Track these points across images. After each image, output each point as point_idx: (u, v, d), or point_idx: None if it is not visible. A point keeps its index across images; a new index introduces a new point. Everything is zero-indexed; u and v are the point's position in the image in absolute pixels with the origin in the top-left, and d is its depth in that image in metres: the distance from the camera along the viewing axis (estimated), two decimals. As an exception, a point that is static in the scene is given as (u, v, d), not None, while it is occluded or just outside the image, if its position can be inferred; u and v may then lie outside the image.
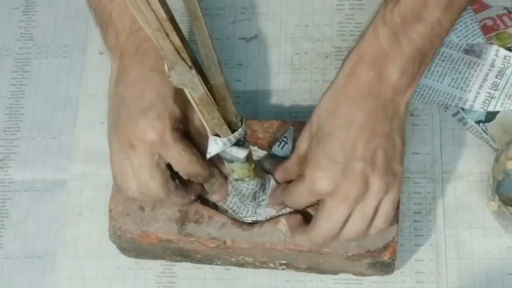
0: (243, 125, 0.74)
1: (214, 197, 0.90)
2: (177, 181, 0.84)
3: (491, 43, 1.01)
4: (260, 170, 0.87)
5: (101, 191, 0.98)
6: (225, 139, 0.73)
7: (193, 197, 0.87)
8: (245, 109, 1.02)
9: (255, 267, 0.93)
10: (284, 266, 0.92)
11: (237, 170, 0.81)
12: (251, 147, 0.88)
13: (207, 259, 0.92)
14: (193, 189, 0.87)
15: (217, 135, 0.73)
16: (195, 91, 0.65)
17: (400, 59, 0.79)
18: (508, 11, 1.03)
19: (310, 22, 1.07)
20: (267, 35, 1.07)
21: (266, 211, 0.89)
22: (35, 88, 1.08)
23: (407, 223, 0.95)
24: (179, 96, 0.80)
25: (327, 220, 0.80)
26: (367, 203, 0.79)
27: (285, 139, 0.92)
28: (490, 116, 0.98)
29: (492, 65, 0.99)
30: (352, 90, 0.80)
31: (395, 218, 0.87)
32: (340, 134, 0.78)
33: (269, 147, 0.92)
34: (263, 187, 0.87)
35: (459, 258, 0.93)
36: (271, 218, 0.89)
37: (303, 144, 0.83)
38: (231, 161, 0.78)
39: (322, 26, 1.07)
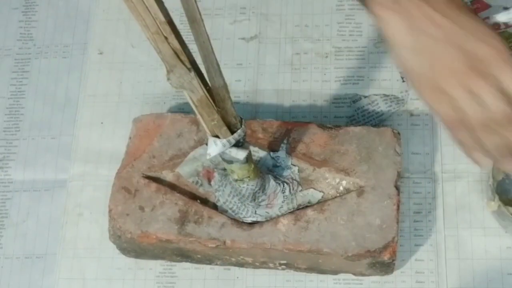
0: (243, 126, 0.74)
1: None
2: None
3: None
4: (260, 170, 0.87)
5: (101, 191, 0.98)
6: (224, 141, 0.73)
7: None
8: (245, 109, 1.02)
9: (255, 267, 0.93)
10: (284, 266, 0.92)
11: (236, 171, 0.81)
12: (252, 148, 0.88)
13: (207, 259, 0.93)
14: None
15: (217, 136, 0.73)
16: (194, 93, 0.65)
17: None
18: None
19: (310, 22, 1.07)
20: (267, 35, 1.07)
21: (266, 212, 0.89)
22: (35, 88, 1.08)
23: (407, 223, 0.95)
24: None
25: None
26: None
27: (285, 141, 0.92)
28: (490, 116, 0.98)
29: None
30: None
31: (395, 218, 0.87)
32: None
33: (269, 147, 0.92)
34: (263, 187, 0.87)
35: (459, 258, 0.93)
36: (271, 218, 0.89)
37: None
38: (230, 162, 0.78)
39: (322, 26, 1.07)
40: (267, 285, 0.94)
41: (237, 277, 0.95)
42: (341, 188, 0.91)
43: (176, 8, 0.64)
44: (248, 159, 0.79)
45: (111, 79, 1.07)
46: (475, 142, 0.73)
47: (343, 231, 0.87)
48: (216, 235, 0.88)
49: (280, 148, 0.92)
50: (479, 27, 0.71)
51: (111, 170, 0.96)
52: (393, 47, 0.72)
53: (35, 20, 1.12)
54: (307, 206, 0.90)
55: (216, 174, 0.91)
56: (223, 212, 0.90)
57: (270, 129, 0.94)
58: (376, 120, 1.00)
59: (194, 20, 0.56)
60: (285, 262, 0.91)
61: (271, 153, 0.92)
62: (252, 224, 0.89)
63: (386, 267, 0.89)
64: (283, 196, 0.89)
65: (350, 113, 1.01)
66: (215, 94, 0.67)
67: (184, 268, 0.95)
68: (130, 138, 0.96)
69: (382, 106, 1.01)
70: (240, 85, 1.04)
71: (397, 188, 0.89)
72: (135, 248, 0.92)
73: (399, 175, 0.90)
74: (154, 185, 0.92)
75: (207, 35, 0.60)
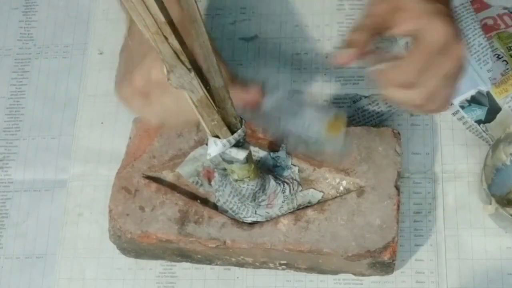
0: (243, 126, 0.74)
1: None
2: None
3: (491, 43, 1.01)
4: (260, 170, 0.87)
5: (101, 191, 0.98)
6: (224, 141, 0.73)
7: None
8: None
9: (255, 267, 0.93)
10: (284, 266, 0.92)
11: (237, 171, 0.81)
12: (252, 148, 0.88)
13: (207, 259, 0.93)
14: None
15: (217, 136, 0.73)
16: (194, 93, 0.65)
17: None
18: (508, 11, 1.03)
19: (310, 22, 1.07)
20: (267, 35, 1.07)
21: (266, 212, 0.89)
22: (35, 88, 1.08)
23: (407, 223, 0.95)
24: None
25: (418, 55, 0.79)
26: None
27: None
28: (490, 116, 0.98)
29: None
30: None
31: (395, 218, 0.87)
32: None
33: (269, 147, 0.92)
34: (263, 187, 0.87)
35: (459, 258, 0.93)
36: (271, 218, 0.89)
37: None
38: (230, 162, 0.78)
39: (322, 26, 1.07)
40: (267, 285, 0.94)
41: (237, 277, 0.95)
42: (341, 188, 0.91)
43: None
44: (248, 159, 0.79)
45: (111, 79, 1.05)
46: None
47: (343, 231, 0.87)
48: (216, 235, 0.88)
49: (280, 148, 0.92)
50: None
51: (111, 170, 0.96)
52: None
53: (35, 20, 1.12)
54: (307, 206, 0.90)
55: (216, 174, 0.91)
56: (223, 212, 0.90)
57: (270, 129, 0.94)
58: (376, 120, 1.00)
59: (195, 20, 0.56)
60: (285, 262, 0.91)
61: (271, 153, 0.92)
62: (252, 224, 0.89)
63: (386, 267, 0.89)
64: (283, 196, 0.89)
65: (350, 113, 1.01)
66: (215, 94, 0.67)
67: (184, 268, 0.95)
68: (130, 138, 0.96)
69: (382, 106, 1.01)
70: (240, 85, 1.04)
71: (397, 188, 0.89)
72: (135, 248, 0.92)
73: (399, 175, 0.90)
74: (154, 185, 0.92)
75: (207, 36, 0.60)
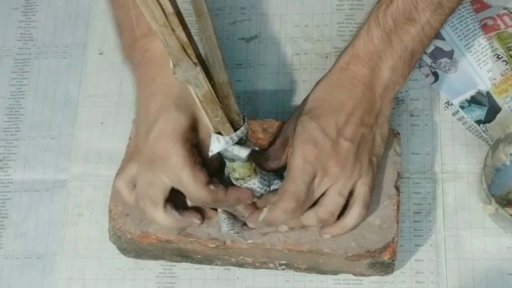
0: (245, 123, 0.74)
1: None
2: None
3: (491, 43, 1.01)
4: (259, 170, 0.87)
5: (101, 191, 0.98)
6: (227, 138, 0.73)
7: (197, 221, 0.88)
8: (245, 109, 1.02)
9: (255, 267, 0.93)
10: (284, 266, 0.92)
11: (238, 169, 0.81)
12: (252, 147, 0.88)
13: (207, 260, 0.92)
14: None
15: (220, 133, 0.73)
16: (199, 88, 0.65)
17: (391, 58, 0.85)
18: (508, 11, 1.03)
19: (310, 22, 1.07)
20: (267, 35, 1.07)
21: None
22: (35, 89, 1.08)
23: (407, 223, 0.95)
24: (183, 101, 0.81)
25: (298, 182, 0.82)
26: (343, 183, 0.83)
27: None
28: (490, 116, 0.99)
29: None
30: (346, 81, 0.86)
31: (395, 218, 0.87)
32: (334, 114, 0.84)
33: (269, 147, 0.92)
34: (268, 183, 0.87)
35: (459, 258, 0.93)
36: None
37: (290, 126, 0.87)
38: (232, 160, 0.78)
39: (322, 26, 1.07)
40: (267, 285, 0.94)
41: (237, 277, 0.94)
42: (341, 188, 0.91)
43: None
44: (250, 157, 0.79)
45: (111, 79, 1.07)
46: None
47: (343, 231, 0.87)
48: (216, 235, 0.87)
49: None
50: None
51: (111, 170, 0.95)
52: None
53: (35, 20, 1.12)
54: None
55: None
56: (223, 212, 0.90)
57: (270, 129, 0.93)
58: (376, 121, 1.00)
59: (201, 13, 0.56)
60: (285, 262, 0.91)
61: None
62: (252, 224, 0.89)
63: (386, 267, 0.89)
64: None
65: (350, 114, 1.01)
66: (219, 90, 0.67)
67: (184, 269, 0.95)
68: (130, 138, 0.96)
69: (382, 107, 1.01)
70: (240, 85, 1.04)
71: (397, 188, 0.89)
72: (135, 248, 0.92)
73: (399, 175, 0.90)
74: (154, 185, 0.91)
75: (214, 29, 0.60)
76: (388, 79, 0.86)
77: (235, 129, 0.73)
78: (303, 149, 0.82)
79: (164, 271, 0.96)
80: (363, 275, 0.92)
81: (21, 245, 0.99)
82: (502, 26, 1.03)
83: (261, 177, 0.85)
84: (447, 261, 0.93)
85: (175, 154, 0.80)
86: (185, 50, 0.59)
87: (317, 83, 0.89)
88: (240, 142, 0.75)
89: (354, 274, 0.92)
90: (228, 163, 0.80)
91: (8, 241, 0.99)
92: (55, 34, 1.11)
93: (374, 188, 0.86)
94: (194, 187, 0.80)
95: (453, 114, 0.99)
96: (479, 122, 0.98)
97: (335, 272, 0.92)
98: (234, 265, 0.94)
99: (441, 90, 1.01)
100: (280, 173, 0.90)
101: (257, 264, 0.92)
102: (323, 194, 0.84)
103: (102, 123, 1.04)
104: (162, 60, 0.80)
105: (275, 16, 1.08)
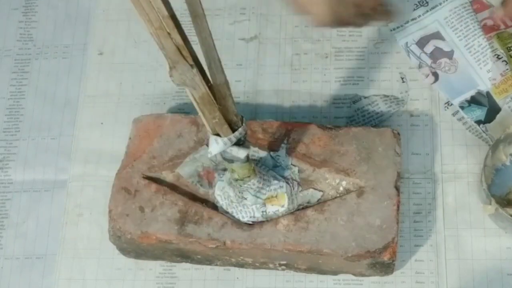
0: (243, 124, 0.74)
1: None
2: None
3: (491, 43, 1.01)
4: (260, 170, 0.87)
5: (101, 191, 0.98)
6: (225, 139, 0.73)
7: None
8: (245, 109, 1.02)
9: (255, 267, 0.93)
10: (284, 267, 0.92)
11: (237, 170, 0.81)
12: (252, 148, 0.88)
13: (207, 260, 0.92)
14: None
15: (218, 134, 0.73)
16: (196, 90, 0.65)
17: None
18: (508, 11, 1.04)
19: (310, 22, 1.07)
20: (267, 35, 1.07)
21: (264, 212, 0.89)
22: (35, 89, 1.08)
23: (407, 223, 0.95)
24: None
25: None
26: None
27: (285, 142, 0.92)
28: (490, 116, 0.99)
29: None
30: None
31: (395, 219, 0.87)
32: None
33: (269, 147, 0.92)
34: (268, 182, 0.87)
35: (459, 258, 0.93)
36: (271, 219, 0.89)
37: None
38: (231, 161, 0.78)
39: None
40: (267, 286, 0.94)
41: (237, 278, 0.94)
42: (341, 188, 0.91)
43: (175, 9, 0.64)
44: (249, 158, 0.79)
45: (111, 79, 1.07)
46: None
47: (343, 231, 0.87)
48: (216, 235, 0.88)
49: (280, 149, 0.92)
50: None
51: (111, 170, 0.95)
52: None
53: (35, 20, 1.12)
54: (307, 207, 0.90)
55: (216, 175, 0.91)
56: (223, 212, 0.90)
57: (270, 129, 0.94)
58: (376, 121, 1.00)
59: (197, 15, 0.56)
60: (285, 262, 0.91)
61: (271, 153, 0.92)
62: (252, 224, 0.89)
63: (386, 268, 0.89)
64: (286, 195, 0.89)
65: (350, 114, 1.01)
66: (216, 91, 0.67)
67: (184, 269, 0.95)
68: (130, 138, 0.96)
69: (382, 107, 1.01)
70: (240, 85, 1.04)
71: (397, 188, 0.89)
72: (135, 248, 0.92)
73: (399, 176, 0.90)
74: (154, 186, 0.92)
75: (209, 31, 0.60)
76: None
77: (233, 130, 0.73)
78: None
79: (164, 271, 0.96)
80: (363, 275, 0.92)
81: (21, 245, 0.99)
82: (502, 26, 1.03)
83: (260, 178, 0.85)
84: (447, 261, 0.93)
85: None
86: (181, 53, 0.59)
87: None
88: (239, 143, 0.75)
89: (354, 275, 0.92)
90: (227, 164, 0.80)
91: (8, 242, 0.99)
92: (55, 34, 1.11)
93: None
94: None
95: (453, 114, 1.00)
96: (479, 122, 0.98)
97: (335, 273, 0.92)
98: (234, 266, 0.94)
99: (441, 90, 1.01)
100: (279, 173, 0.90)
101: (257, 264, 0.92)
102: None
103: (102, 123, 1.04)
104: None
105: (275, 16, 1.08)
